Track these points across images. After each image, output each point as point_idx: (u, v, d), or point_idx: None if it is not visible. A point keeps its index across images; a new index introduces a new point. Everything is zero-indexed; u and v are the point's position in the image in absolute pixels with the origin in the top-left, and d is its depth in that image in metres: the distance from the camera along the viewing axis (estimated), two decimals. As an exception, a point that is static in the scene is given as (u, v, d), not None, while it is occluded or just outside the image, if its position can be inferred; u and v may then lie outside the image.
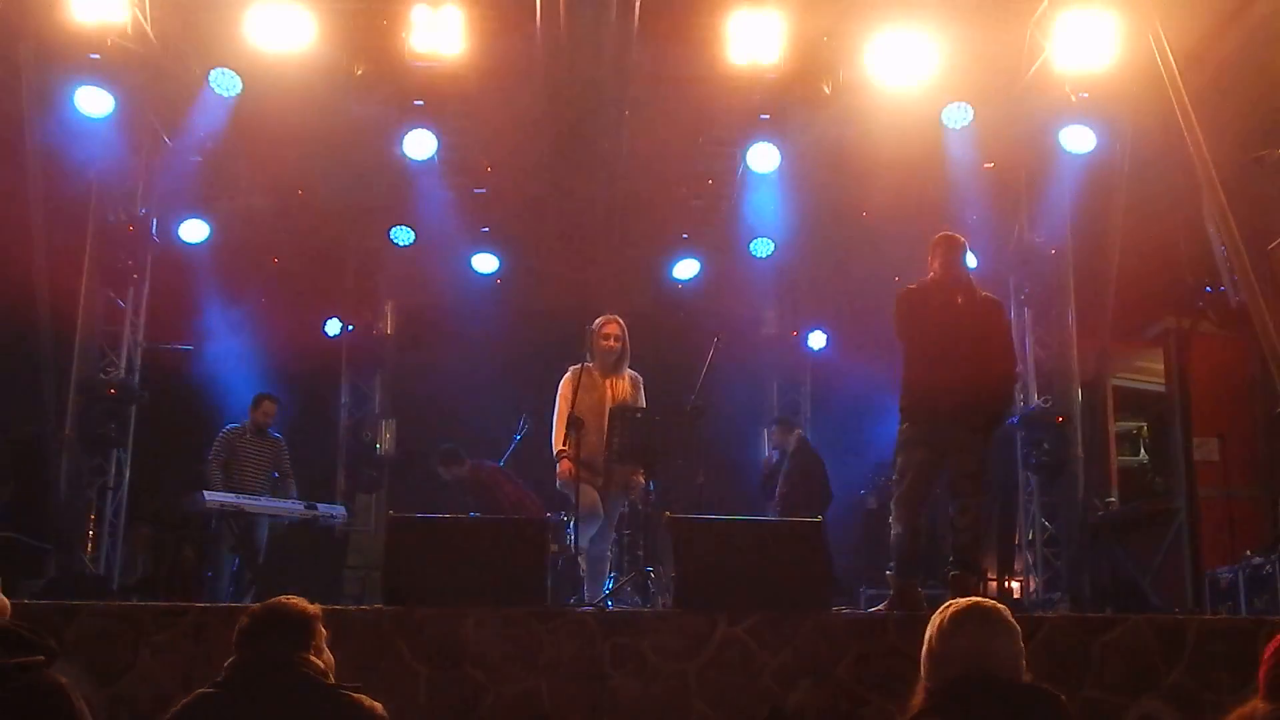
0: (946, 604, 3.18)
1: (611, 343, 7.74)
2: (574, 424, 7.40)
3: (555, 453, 7.62)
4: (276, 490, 9.91)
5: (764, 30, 9.48)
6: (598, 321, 7.83)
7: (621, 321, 7.83)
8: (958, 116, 10.07)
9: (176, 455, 10.94)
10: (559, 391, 7.79)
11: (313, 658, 3.33)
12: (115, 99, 9.45)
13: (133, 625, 5.38)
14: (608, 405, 7.57)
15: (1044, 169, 11.02)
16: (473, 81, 10.56)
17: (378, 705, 3.28)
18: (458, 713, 5.27)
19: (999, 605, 3.16)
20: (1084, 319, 11.07)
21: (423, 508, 8.58)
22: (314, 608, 3.49)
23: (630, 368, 7.88)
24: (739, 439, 13.09)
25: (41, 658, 3.20)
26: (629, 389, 7.77)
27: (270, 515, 9.46)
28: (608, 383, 7.76)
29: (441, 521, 7.52)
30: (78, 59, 9.26)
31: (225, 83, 9.73)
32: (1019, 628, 3.12)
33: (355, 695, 3.29)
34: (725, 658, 5.41)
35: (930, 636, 3.13)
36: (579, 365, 7.71)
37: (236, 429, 9.87)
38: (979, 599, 3.20)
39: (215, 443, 9.78)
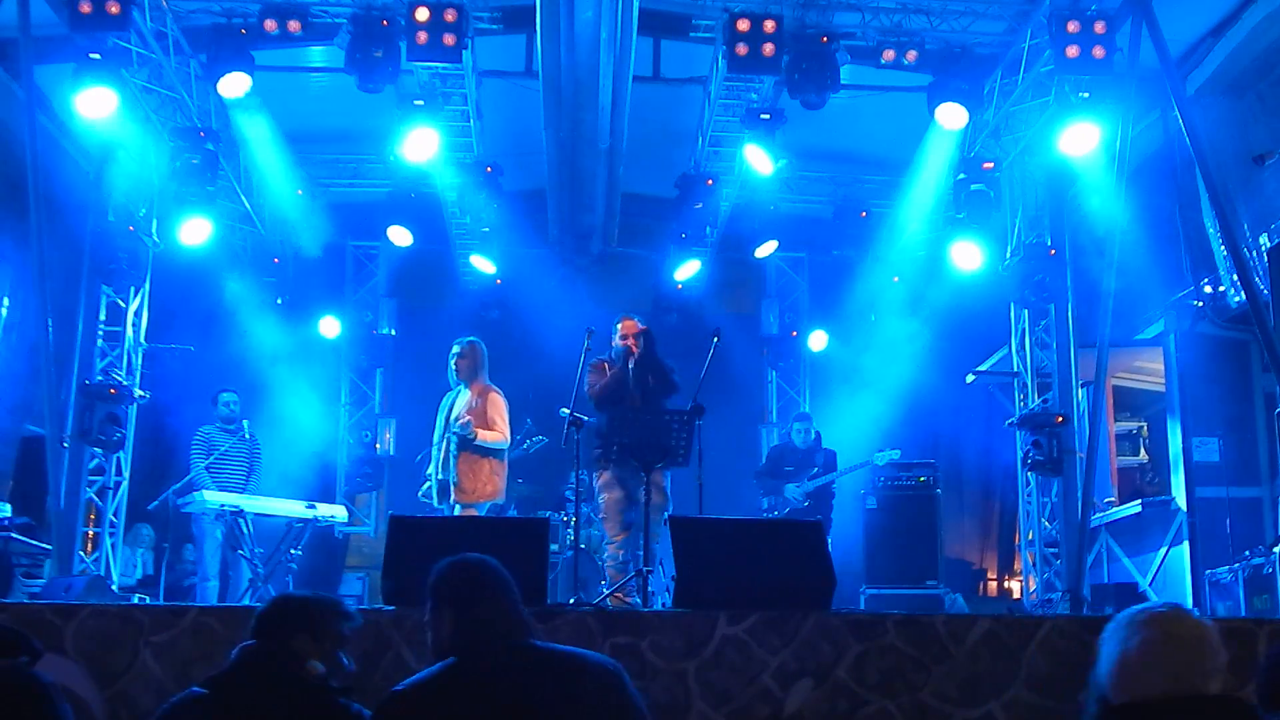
0: (1144, 612, 2.92)
1: (456, 362, 8.56)
2: (575, 422, 7.61)
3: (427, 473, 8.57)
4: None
5: (763, 30, 9.48)
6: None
7: (469, 343, 8.65)
8: (955, 116, 10.05)
9: (177, 456, 10.93)
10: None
11: (313, 658, 3.35)
12: (116, 99, 9.43)
13: (132, 626, 5.38)
14: (450, 419, 8.44)
15: (1043, 168, 11.03)
16: (472, 81, 10.60)
17: (365, 715, 3.31)
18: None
19: (1195, 616, 2.94)
20: (1083, 319, 11.08)
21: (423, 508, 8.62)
22: (340, 606, 3.54)
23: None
24: (738, 439, 13.10)
25: (25, 658, 3.21)
26: (469, 398, 8.46)
27: (270, 515, 9.45)
28: (456, 399, 8.56)
29: (441, 521, 7.56)
30: (79, 59, 9.25)
31: (229, 85, 9.73)
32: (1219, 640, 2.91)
33: (344, 700, 3.33)
34: (725, 658, 5.41)
35: (1126, 651, 2.87)
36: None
37: (209, 429, 9.86)
38: (1177, 606, 2.96)
39: (194, 444, 9.77)
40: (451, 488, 8.24)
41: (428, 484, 8.50)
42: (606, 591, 7.55)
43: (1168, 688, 2.80)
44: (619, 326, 8.37)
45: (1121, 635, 2.90)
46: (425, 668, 4.88)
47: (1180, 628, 2.86)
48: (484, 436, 8.31)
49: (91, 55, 9.24)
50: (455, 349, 8.59)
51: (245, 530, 9.16)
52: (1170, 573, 10.91)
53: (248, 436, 9.86)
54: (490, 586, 3.34)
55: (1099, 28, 9.21)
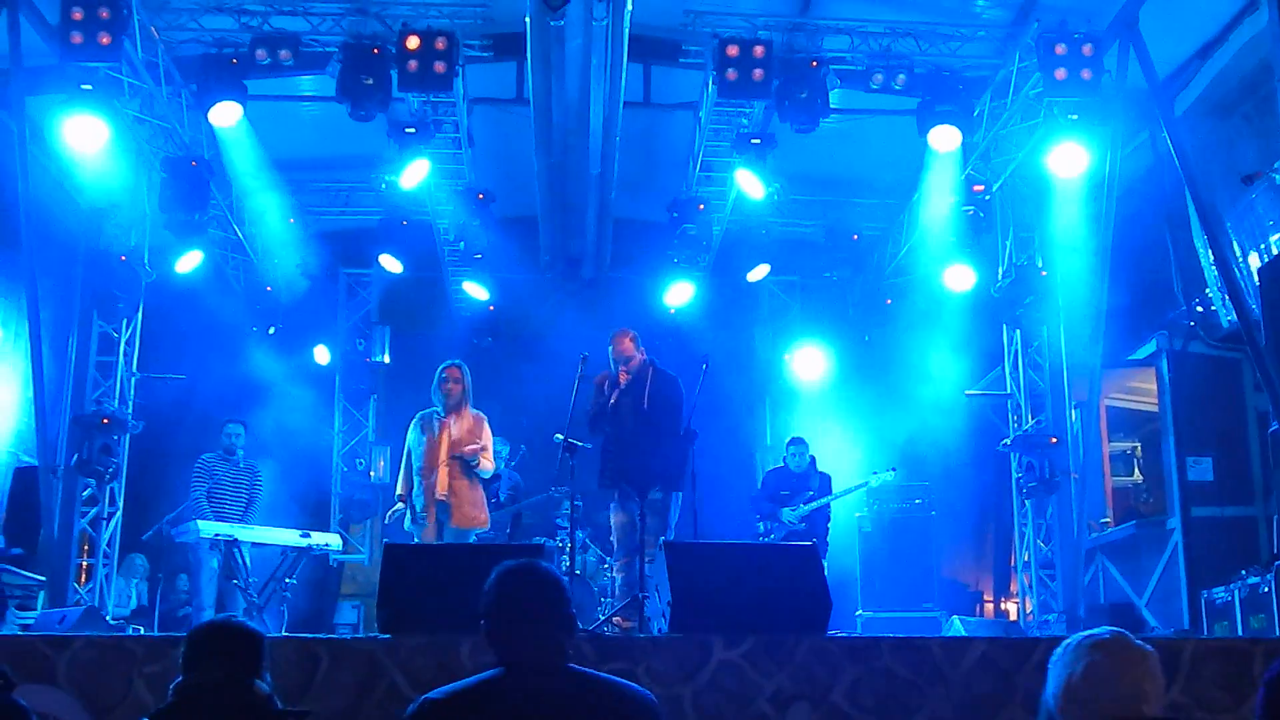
0: (1089, 639, 2.99)
1: (450, 385, 8.35)
2: (570, 449, 7.62)
3: (397, 495, 8.44)
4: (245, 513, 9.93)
5: (752, 55, 9.53)
6: (440, 368, 8.47)
7: (463, 366, 8.48)
8: (949, 138, 10.09)
9: (170, 486, 10.90)
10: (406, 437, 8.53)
11: (258, 681, 3.32)
12: (108, 130, 9.43)
13: (126, 656, 5.35)
14: (444, 444, 8.20)
15: (1033, 190, 11.06)
16: (463, 108, 10.63)
17: None
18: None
19: (1135, 639, 2.99)
20: (1075, 340, 11.10)
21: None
22: (257, 630, 3.50)
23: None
24: (733, 463, 13.08)
25: None
26: (469, 425, 8.32)
27: (264, 544, 9.43)
28: (447, 422, 8.33)
29: (435, 548, 7.54)
30: (70, 90, 9.25)
31: (220, 114, 9.75)
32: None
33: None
34: (721, 681, 5.39)
35: (1072, 675, 2.93)
36: (427, 410, 8.43)
37: (210, 456, 9.87)
38: (1119, 632, 3.01)
39: (194, 472, 9.78)
40: (452, 511, 8.15)
41: (399, 506, 8.39)
42: (602, 617, 7.54)
43: (1112, 710, 2.86)
44: (610, 346, 8.35)
45: (1068, 660, 2.98)
46: (421, 694, 4.86)
47: (1124, 653, 2.93)
48: (485, 465, 8.33)
49: (83, 86, 9.22)
50: (451, 372, 8.48)
51: (240, 559, 9.14)
52: (1166, 592, 10.89)
53: (243, 466, 9.86)
54: (538, 605, 3.24)
55: (1086, 50, 9.27)
